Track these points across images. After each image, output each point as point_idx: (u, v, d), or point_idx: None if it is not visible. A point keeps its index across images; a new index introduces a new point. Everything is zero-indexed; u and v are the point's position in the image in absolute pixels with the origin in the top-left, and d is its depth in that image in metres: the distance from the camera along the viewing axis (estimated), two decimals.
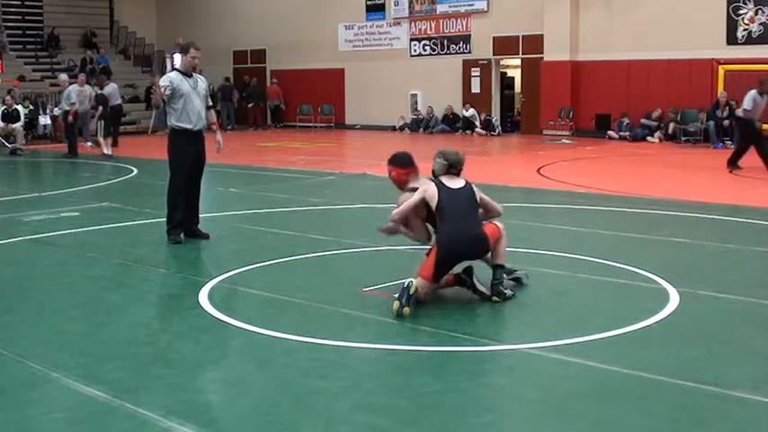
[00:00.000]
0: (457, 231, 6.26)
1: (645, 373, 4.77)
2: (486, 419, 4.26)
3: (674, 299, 6.29)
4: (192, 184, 8.94)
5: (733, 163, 15.67)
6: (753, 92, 15.58)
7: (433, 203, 6.33)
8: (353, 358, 5.19)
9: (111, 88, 21.14)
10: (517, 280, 6.77)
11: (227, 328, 5.82)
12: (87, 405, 4.43)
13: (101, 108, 19.67)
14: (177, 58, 9.32)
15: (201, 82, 8.94)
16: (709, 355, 5.19)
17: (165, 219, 8.92)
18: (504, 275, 6.49)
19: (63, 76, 21.72)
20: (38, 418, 4.29)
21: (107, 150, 18.96)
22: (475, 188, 6.49)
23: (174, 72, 8.83)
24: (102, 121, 19.50)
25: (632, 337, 5.48)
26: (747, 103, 15.51)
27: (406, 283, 5.95)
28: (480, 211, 6.54)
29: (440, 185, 6.42)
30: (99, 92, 20.50)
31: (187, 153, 8.78)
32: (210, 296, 6.57)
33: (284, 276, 7.52)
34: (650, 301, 6.24)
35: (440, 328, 5.75)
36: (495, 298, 6.27)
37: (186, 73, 8.78)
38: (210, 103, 9.16)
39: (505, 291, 6.33)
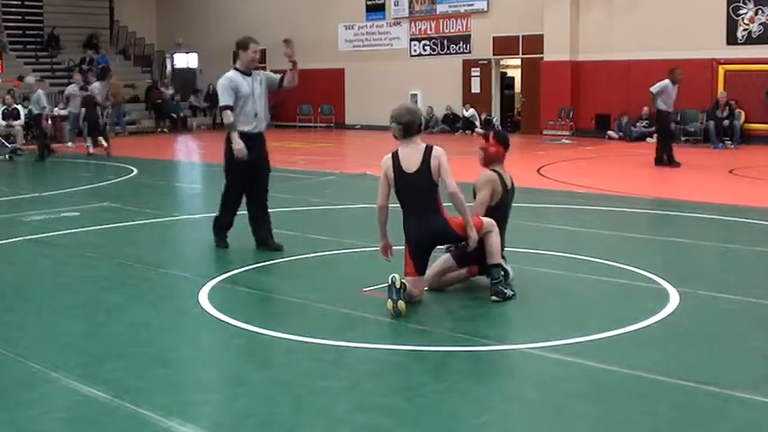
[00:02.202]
0: (417, 226, 6.23)
1: (645, 373, 4.77)
2: (486, 419, 4.26)
3: (674, 299, 6.29)
4: (256, 190, 8.36)
5: (670, 160, 15.73)
6: (665, 80, 15.76)
7: (392, 185, 6.32)
8: (353, 358, 5.19)
9: (96, 89, 21.44)
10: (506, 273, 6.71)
11: (227, 328, 5.82)
12: (87, 405, 4.43)
13: (83, 110, 20.10)
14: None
15: (263, 79, 8.26)
16: (710, 355, 5.19)
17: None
18: (503, 273, 6.45)
19: (30, 79, 20.78)
20: (38, 418, 4.29)
21: (92, 149, 19.44)
22: (433, 163, 6.19)
23: (233, 71, 8.15)
24: (87, 122, 19.90)
25: (632, 337, 5.47)
26: (655, 88, 15.73)
27: (390, 280, 5.93)
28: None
29: (396, 166, 6.28)
30: (85, 93, 20.82)
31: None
32: (210, 296, 6.57)
33: (284, 276, 7.53)
34: (650, 301, 6.24)
35: (440, 328, 5.75)
36: (494, 297, 6.27)
37: (245, 71, 8.15)
38: (280, 85, 8.40)
39: (505, 290, 6.32)
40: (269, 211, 8.51)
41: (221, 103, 8.14)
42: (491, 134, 7.08)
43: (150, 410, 4.30)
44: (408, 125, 6.29)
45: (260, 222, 8.40)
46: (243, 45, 8.14)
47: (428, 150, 6.25)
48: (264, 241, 8.35)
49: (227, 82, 8.07)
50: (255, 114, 8.17)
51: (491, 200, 6.70)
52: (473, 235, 6.24)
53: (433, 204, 6.25)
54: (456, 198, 6.18)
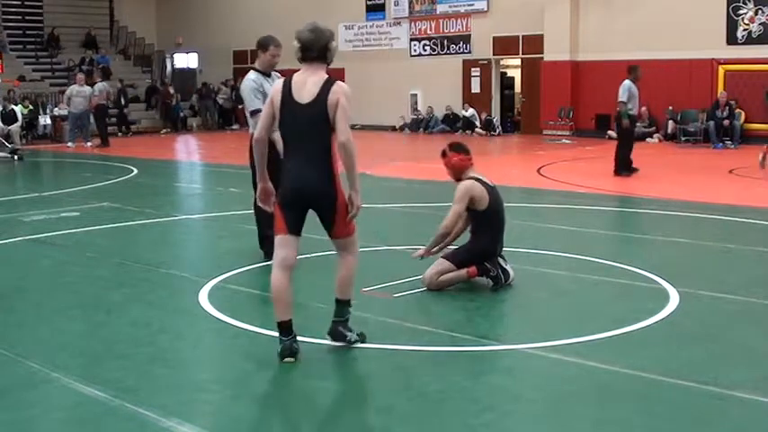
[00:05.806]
0: (292, 172, 5.03)
1: (645, 373, 4.77)
2: (486, 419, 4.26)
3: (674, 299, 6.29)
4: None
5: (628, 166, 14.63)
6: (626, 82, 14.57)
7: (276, 116, 5.05)
8: (354, 358, 5.19)
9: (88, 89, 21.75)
10: (496, 280, 6.65)
11: (227, 328, 5.82)
12: (87, 405, 4.43)
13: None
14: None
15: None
16: (709, 355, 5.19)
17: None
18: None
19: None
20: (38, 418, 4.29)
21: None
22: (330, 98, 4.88)
23: (254, 72, 7.63)
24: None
25: (632, 337, 5.48)
26: (623, 94, 14.43)
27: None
28: None
29: (285, 90, 5.00)
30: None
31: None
32: (210, 296, 6.57)
33: None
34: (650, 301, 6.24)
35: (440, 328, 5.75)
36: (328, 336, 5.29)
37: (265, 73, 7.64)
38: None
39: (346, 333, 5.26)
40: None
41: (250, 108, 7.51)
42: (446, 149, 6.91)
43: (150, 410, 4.30)
44: (307, 45, 4.98)
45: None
46: (262, 45, 7.62)
47: (329, 82, 4.95)
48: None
49: (253, 84, 7.51)
50: None
51: (479, 205, 6.64)
52: (356, 201, 5.15)
53: (322, 150, 4.96)
54: (346, 149, 4.90)
